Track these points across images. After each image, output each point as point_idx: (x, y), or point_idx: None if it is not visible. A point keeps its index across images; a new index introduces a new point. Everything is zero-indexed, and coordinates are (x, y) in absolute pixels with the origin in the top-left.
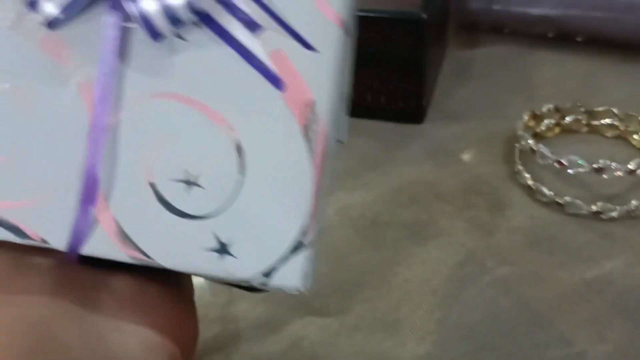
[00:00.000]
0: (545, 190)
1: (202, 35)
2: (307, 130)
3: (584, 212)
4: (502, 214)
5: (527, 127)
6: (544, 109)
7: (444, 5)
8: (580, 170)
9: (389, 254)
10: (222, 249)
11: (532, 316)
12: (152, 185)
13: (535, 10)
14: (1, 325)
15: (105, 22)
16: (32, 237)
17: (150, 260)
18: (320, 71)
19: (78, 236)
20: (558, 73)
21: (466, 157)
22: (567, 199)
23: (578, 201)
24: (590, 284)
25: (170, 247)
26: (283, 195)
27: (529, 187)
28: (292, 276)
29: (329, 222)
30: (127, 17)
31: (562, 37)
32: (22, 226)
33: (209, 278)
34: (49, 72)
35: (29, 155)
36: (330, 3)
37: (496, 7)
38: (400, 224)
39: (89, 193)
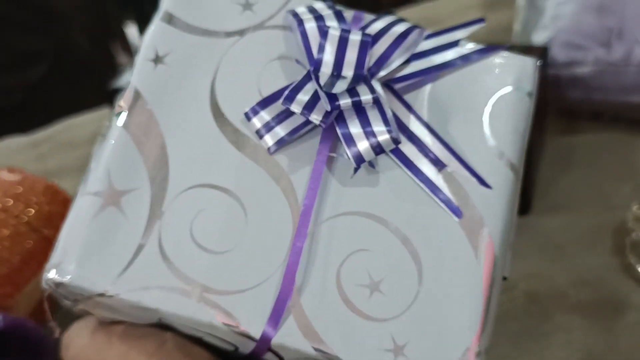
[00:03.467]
0: None
1: (391, 165)
2: (478, 254)
3: None
4: (618, 310)
5: (636, 219)
6: None
7: (542, 94)
8: None
9: (504, 349)
10: (397, 351)
11: None
12: (340, 288)
13: (637, 98)
14: None
15: (318, 152)
16: (232, 324)
17: (331, 355)
18: (494, 206)
19: (272, 327)
20: None
21: None
22: None
23: None
24: None
25: (352, 344)
26: (456, 308)
27: None
28: None
29: None
30: (332, 148)
31: None
32: (227, 313)
33: None
34: (266, 186)
35: (243, 252)
36: (504, 150)
37: (596, 96)
38: (514, 318)
39: (287, 288)
